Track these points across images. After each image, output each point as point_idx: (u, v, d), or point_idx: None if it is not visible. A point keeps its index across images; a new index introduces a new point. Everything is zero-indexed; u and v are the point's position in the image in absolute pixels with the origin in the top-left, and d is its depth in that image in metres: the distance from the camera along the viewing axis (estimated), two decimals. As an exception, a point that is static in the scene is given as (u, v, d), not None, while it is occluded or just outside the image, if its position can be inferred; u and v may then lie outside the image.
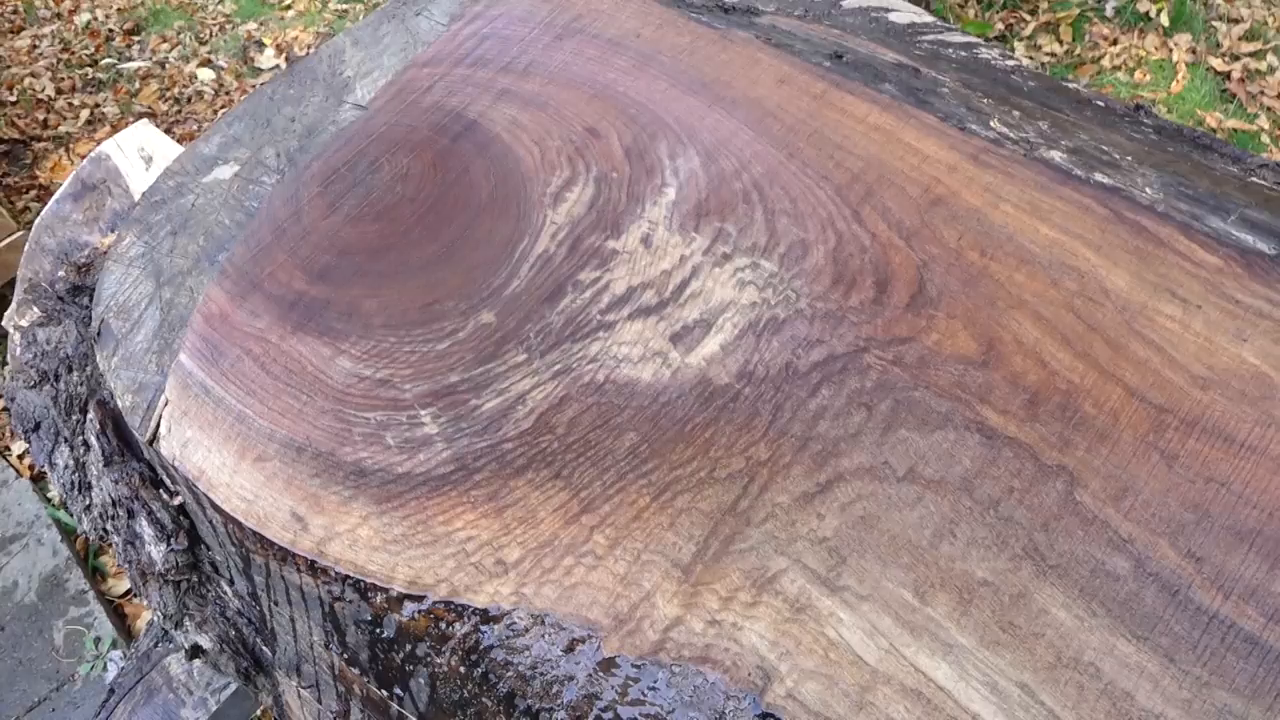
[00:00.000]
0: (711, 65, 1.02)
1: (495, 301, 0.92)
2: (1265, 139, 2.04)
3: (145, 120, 1.78)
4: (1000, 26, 2.46)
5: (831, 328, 0.82)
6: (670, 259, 0.90)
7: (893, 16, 1.24)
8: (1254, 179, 0.92)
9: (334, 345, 0.93)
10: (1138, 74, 2.25)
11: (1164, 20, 2.34)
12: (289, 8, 3.61)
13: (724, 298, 0.86)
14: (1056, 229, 0.82)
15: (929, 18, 1.25)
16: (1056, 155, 0.87)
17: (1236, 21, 2.29)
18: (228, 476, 0.89)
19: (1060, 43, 2.36)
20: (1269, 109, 2.09)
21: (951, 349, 0.79)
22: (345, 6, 3.54)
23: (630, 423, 0.82)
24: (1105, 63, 2.28)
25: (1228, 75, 2.18)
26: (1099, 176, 0.85)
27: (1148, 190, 0.84)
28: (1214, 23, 2.31)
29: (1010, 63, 1.17)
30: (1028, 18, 2.45)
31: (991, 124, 0.91)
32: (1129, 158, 0.88)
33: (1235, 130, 2.06)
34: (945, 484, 0.73)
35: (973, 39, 1.21)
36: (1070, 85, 1.12)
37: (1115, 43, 2.32)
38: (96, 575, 1.88)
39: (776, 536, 0.74)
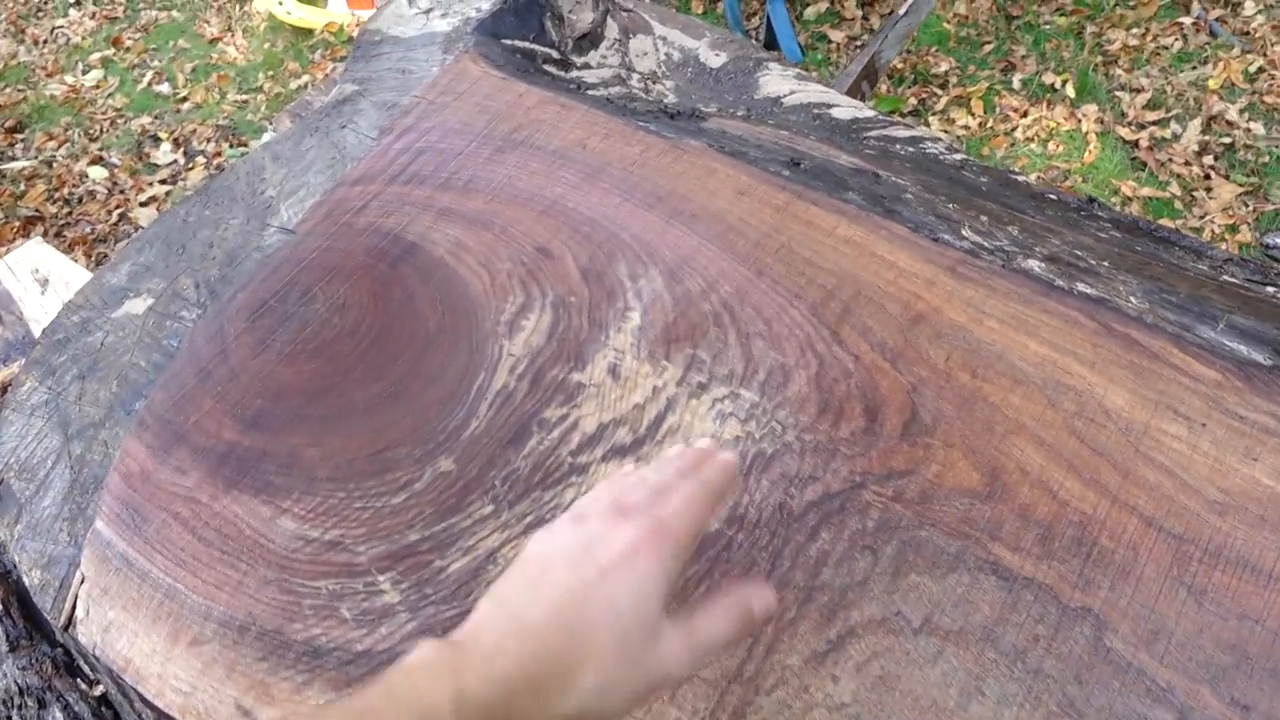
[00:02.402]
0: (665, 177, 0.98)
1: (453, 446, 0.84)
2: (1178, 205, 2.09)
3: (38, 239, 1.66)
4: (913, 102, 2.51)
5: (824, 462, 0.77)
6: (642, 391, 0.84)
7: (835, 112, 1.22)
8: (1226, 278, 0.90)
9: (274, 504, 0.84)
10: (1050, 145, 2.30)
11: (1070, 91, 2.41)
12: (184, 100, 3.49)
13: (704, 432, 0.80)
14: (1046, 345, 0.79)
15: (870, 111, 1.23)
16: (1035, 265, 0.84)
17: (1138, 91, 2.38)
18: (159, 665, 0.78)
19: (972, 116, 2.41)
20: (1178, 175, 2.15)
21: (954, 481, 0.74)
22: (245, 97, 3.44)
23: (615, 580, 0.75)
24: (1018, 134, 2.33)
25: (1136, 144, 2.25)
26: (1082, 286, 0.82)
27: (1132, 299, 0.81)
28: (1117, 93, 2.39)
29: (957, 157, 1.15)
30: (939, 92, 2.50)
31: (963, 232, 0.88)
32: (1105, 263, 0.86)
33: (1150, 198, 2.11)
34: (966, 634, 0.68)
35: (917, 132, 1.19)
36: (1019, 179, 1.11)
37: (1025, 114, 2.38)
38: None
39: (790, 705, 0.67)
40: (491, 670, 0.45)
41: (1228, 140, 2.21)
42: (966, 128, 2.38)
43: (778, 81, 1.26)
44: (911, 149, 1.15)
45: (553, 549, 0.52)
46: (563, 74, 1.20)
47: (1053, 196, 1.07)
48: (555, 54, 1.22)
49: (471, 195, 1.01)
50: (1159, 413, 0.74)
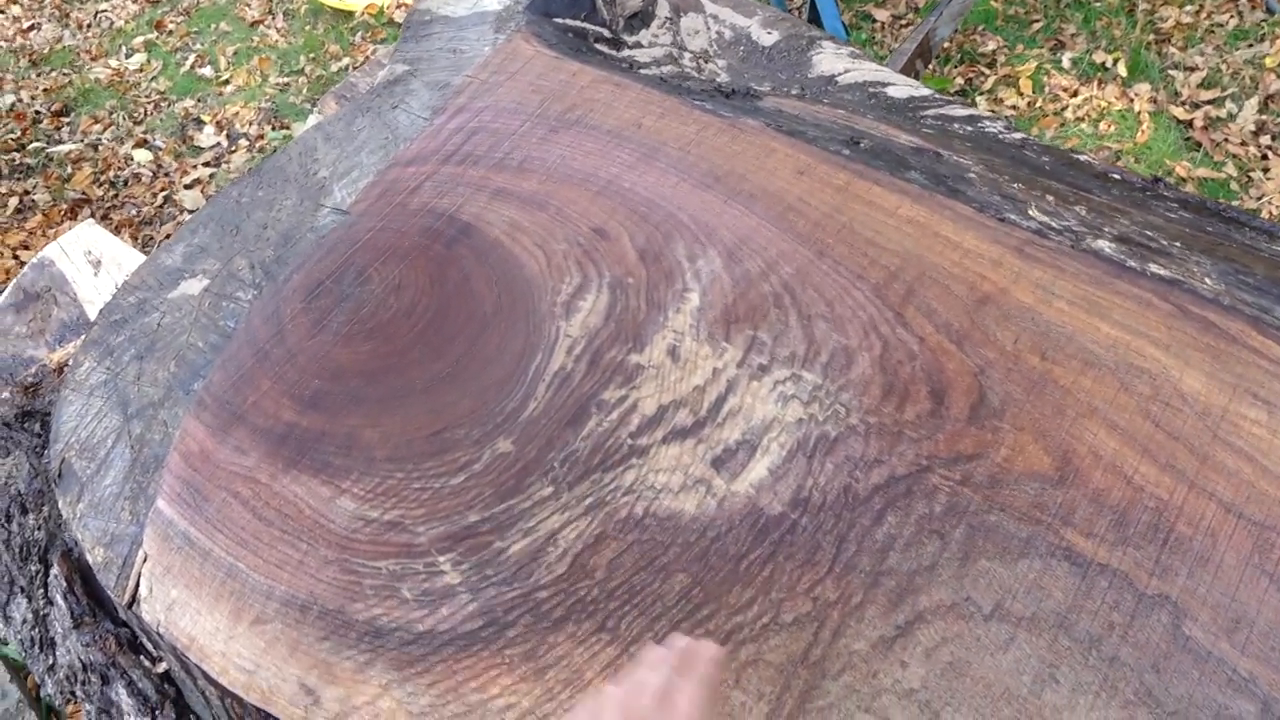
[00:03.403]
0: (723, 156, 0.96)
1: (512, 427, 0.84)
2: (1234, 186, 2.04)
3: (89, 221, 1.68)
4: (960, 81, 2.46)
5: (889, 445, 0.76)
6: (702, 373, 0.83)
7: (890, 91, 1.20)
8: (1303, 258, 0.88)
9: (334, 484, 0.84)
10: (1102, 125, 2.25)
11: (1121, 70, 2.35)
12: (226, 83, 3.51)
13: (766, 415, 0.79)
14: (1118, 327, 0.77)
15: (926, 90, 1.21)
16: (1105, 245, 0.82)
17: (1193, 70, 2.32)
18: (222, 643, 0.79)
19: (1021, 95, 2.37)
20: (1234, 156, 2.10)
21: (1024, 465, 0.73)
22: (287, 80, 3.45)
23: (678, 562, 0.74)
24: (1068, 114, 2.29)
25: (1190, 124, 2.19)
26: (1154, 267, 0.80)
27: (1207, 281, 0.79)
28: (1171, 71, 2.33)
29: (1017, 136, 1.13)
30: (986, 71, 2.46)
31: (1030, 212, 0.86)
32: (1177, 244, 0.84)
33: (1205, 179, 2.06)
34: (1039, 621, 0.66)
35: (975, 111, 1.17)
36: (1082, 158, 1.09)
37: (1075, 94, 2.33)
38: None
39: (858, 690, 0.67)
40: None
41: (1286, 119, 2.15)
42: (1015, 108, 2.34)
43: (831, 60, 1.24)
44: (970, 128, 1.13)
45: None
46: (615, 53, 1.19)
47: (1116, 176, 1.05)
48: (607, 33, 1.21)
49: (526, 175, 1.01)
50: (1237, 396, 0.72)
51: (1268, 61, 2.28)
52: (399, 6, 3.70)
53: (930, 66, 2.32)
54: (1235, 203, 2.02)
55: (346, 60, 3.49)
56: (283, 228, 1.07)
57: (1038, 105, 2.34)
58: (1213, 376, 0.73)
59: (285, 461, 0.87)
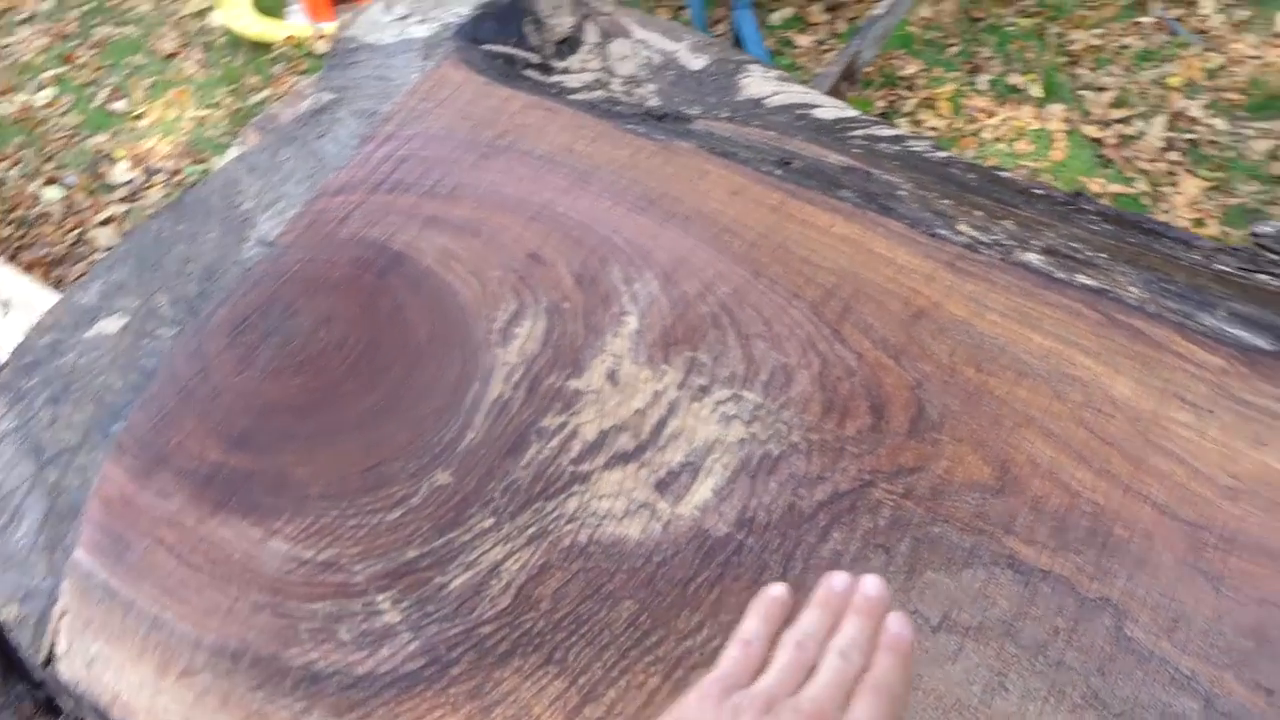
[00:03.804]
0: (657, 179, 0.96)
1: (450, 458, 0.82)
2: (1146, 200, 2.12)
3: None
4: (882, 104, 2.52)
5: (831, 461, 0.76)
6: (642, 396, 0.82)
7: (818, 113, 1.21)
8: (1218, 266, 0.91)
9: (264, 525, 0.81)
10: (1019, 145, 2.32)
11: (1036, 91, 2.43)
12: (140, 117, 3.43)
13: (708, 436, 0.79)
14: (1050, 337, 0.78)
15: (853, 111, 1.23)
16: (1034, 258, 0.84)
17: (1103, 90, 2.40)
18: (149, 698, 0.75)
19: (940, 117, 2.43)
20: (1145, 171, 2.17)
21: (964, 476, 0.73)
22: (204, 113, 3.38)
23: (625, 589, 0.73)
24: (986, 134, 2.35)
25: (1102, 142, 2.27)
26: (1082, 278, 0.82)
27: (1132, 290, 0.81)
28: (1082, 92, 2.41)
29: (942, 154, 1.15)
30: (906, 94, 2.51)
31: (959, 227, 0.88)
32: (1102, 255, 0.86)
33: (1118, 194, 2.14)
34: (986, 630, 0.67)
35: (901, 131, 1.19)
36: (1005, 175, 1.11)
37: (993, 115, 2.39)
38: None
39: (810, 710, 0.66)
40: None
41: (1191, 136, 2.24)
42: (935, 129, 2.40)
43: (760, 83, 1.25)
44: (897, 147, 1.15)
45: None
46: (545, 79, 1.18)
47: (1039, 191, 1.07)
48: (536, 58, 1.21)
49: (458, 202, 0.99)
50: (1166, 401, 0.74)
51: (1172, 81, 2.38)
52: (320, 38, 3.66)
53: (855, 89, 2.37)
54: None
55: (267, 92, 3.43)
56: (206, 262, 1.04)
57: (956, 126, 2.41)
58: (1141, 382, 0.75)
59: (212, 504, 0.84)
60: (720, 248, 0.90)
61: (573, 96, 1.17)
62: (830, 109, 1.23)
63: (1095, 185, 2.18)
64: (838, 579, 0.53)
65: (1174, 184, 2.15)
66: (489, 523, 0.78)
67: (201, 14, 3.91)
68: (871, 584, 0.52)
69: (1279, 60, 2.43)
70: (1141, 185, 2.16)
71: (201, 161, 3.15)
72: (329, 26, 3.71)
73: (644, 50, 1.33)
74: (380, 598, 0.76)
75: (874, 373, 0.79)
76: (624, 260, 0.91)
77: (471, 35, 1.21)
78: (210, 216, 1.10)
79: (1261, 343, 0.76)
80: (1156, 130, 2.27)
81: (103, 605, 0.81)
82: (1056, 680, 0.64)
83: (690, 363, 0.83)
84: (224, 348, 0.94)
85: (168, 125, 3.36)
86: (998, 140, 2.34)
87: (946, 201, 0.93)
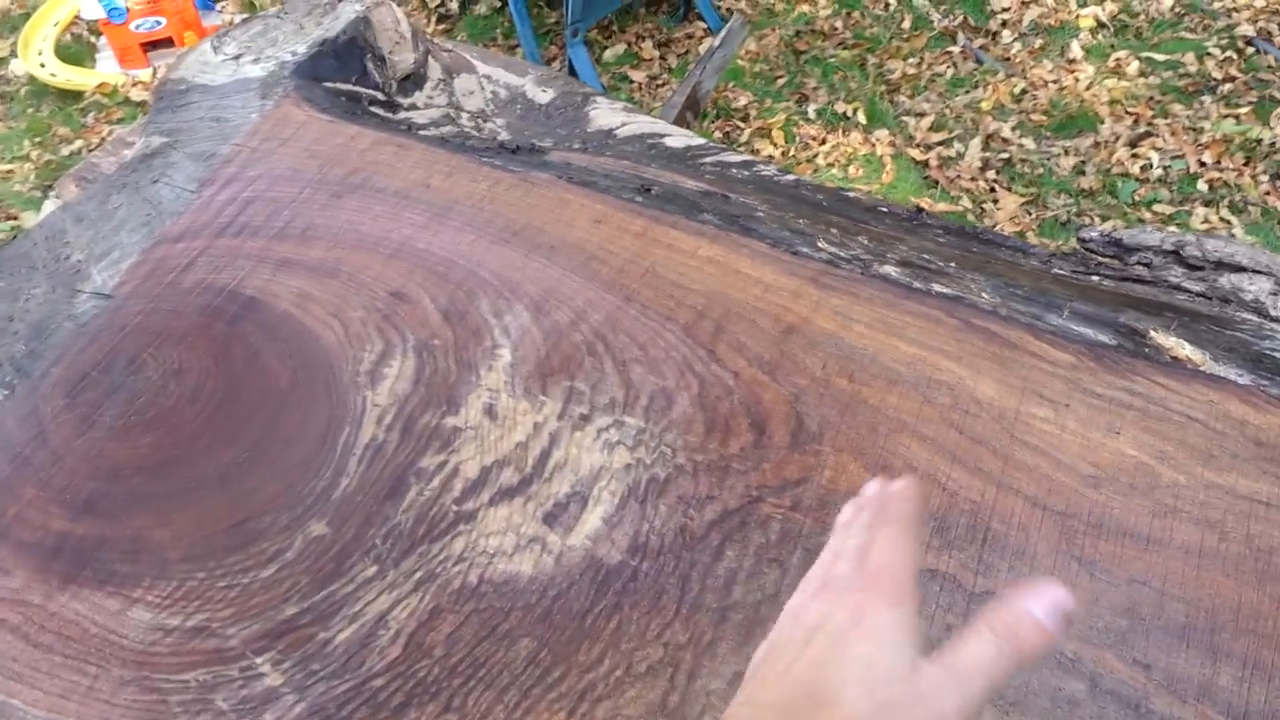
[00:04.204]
0: (517, 210, 0.95)
1: (324, 508, 0.78)
2: (971, 217, 2.25)
3: None
4: (718, 135, 2.59)
5: (718, 480, 0.76)
6: (522, 429, 0.80)
7: (668, 141, 1.24)
8: (1056, 270, 0.97)
9: (123, 594, 0.75)
10: (850, 169, 2.43)
11: (861, 118, 2.55)
12: (-64, 174, 3.17)
13: (594, 464, 0.78)
14: (914, 344, 0.81)
15: (701, 139, 1.25)
16: (891, 270, 0.87)
17: (921, 115, 2.54)
18: (1, 798, 0.68)
19: (775, 145, 2.52)
20: (967, 190, 2.31)
21: (847, 484, 0.75)
22: (9, 167, 3.15)
23: (521, 627, 0.71)
24: (820, 160, 2.45)
25: (926, 164, 2.40)
26: (937, 286, 0.86)
27: (984, 295, 0.85)
28: (903, 118, 2.55)
29: (790, 178, 1.19)
30: (741, 125, 2.60)
31: (819, 244, 0.90)
32: (952, 264, 0.90)
33: (946, 212, 2.26)
34: (881, 634, 0.68)
35: (749, 157, 1.22)
36: (852, 194, 1.16)
37: (824, 142, 2.50)
38: None
39: (719, 731, 0.66)
40: None
41: (1005, 156, 2.40)
42: (771, 157, 2.48)
43: (608, 114, 1.27)
44: (747, 172, 1.18)
45: (779, 642, 0.49)
46: (391, 115, 1.16)
47: (884, 209, 1.12)
48: (381, 95, 1.18)
49: (311, 243, 0.96)
50: (1026, 398, 0.78)
51: (983, 105, 2.55)
52: (135, 84, 3.49)
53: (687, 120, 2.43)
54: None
55: (79, 143, 3.24)
56: (33, 319, 0.97)
57: (791, 154, 2.50)
58: (1002, 382, 0.79)
59: (61, 577, 0.77)
60: (589, 275, 0.89)
61: (423, 133, 1.15)
62: (679, 138, 1.25)
63: (925, 204, 2.30)
64: (871, 485, 0.55)
65: (994, 200, 2.29)
66: (372, 571, 0.74)
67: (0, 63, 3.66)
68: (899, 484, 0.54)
69: (1073, 84, 2.64)
70: (966, 203, 2.30)
71: (12, 218, 2.93)
72: (143, 73, 3.53)
73: (490, 85, 1.32)
74: (259, 660, 0.71)
75: (751, 390, 0.80)
76: (492, 293, 0.89)
77: (311, 73, 1.17)
78: (34, 271, 1.02)
79: (1104, 338, 0.81)
80: (974, 151, 2.42)
81: (-65, 703, 0.73)
82: (952, 674, 0.66)
83: (569, 392, 0.82)
84: (62, 408, 0.87)
85: (-34, 182, 3.12)
86: (831, 165, 2.45)
87: (803, 220, 0.96)
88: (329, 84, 1.16)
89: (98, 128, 3.32)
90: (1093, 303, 0.86)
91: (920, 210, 1.11)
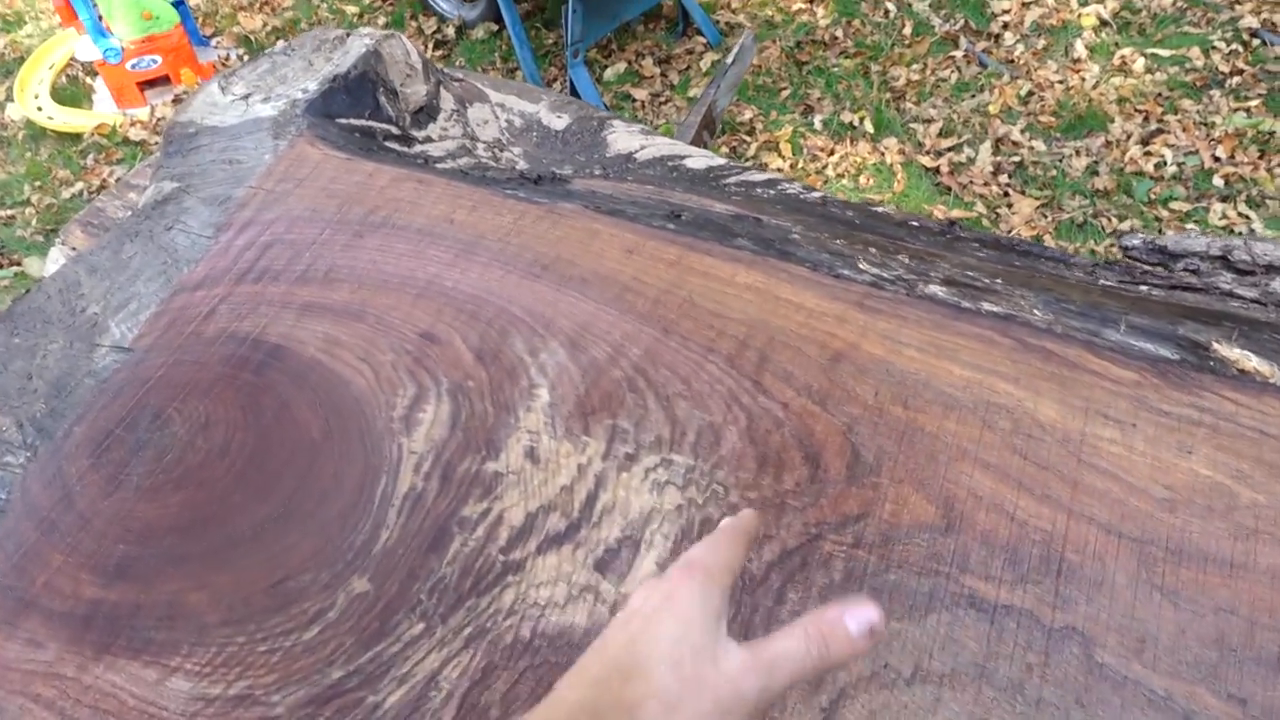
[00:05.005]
0: (546, 243, 0.93)
1: (365, 563, 0.75)
2: (986, 222, 2.22)
3: None
4: (726, 150, 2.57)
5: (775, 518, 0.73)
6: (566, 472, 0.77)
7: (689, 163, 1.21)
8: (1103, 281, 0.94)
9: (160, 663, 0.72)
10: (861, 179, 2.40)
11: (868, 127, 2.53)
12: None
13: (643, 506, 0.75)
14: (968, 367, 0.79)
15: (721, 159, 1.23)
16: (937, 290, 0.85)
17: (929, 121, 2.52)
18: None
19: (783, 158, 2.49)
20: (981, 195, 2.29)
21: (910, 518, 0.72)
22: (11, 212, 3.13)
23: (578, 683, 0.68)
24: (829, 171, 2.42)
25: (937, 170, 2.38)
26: (987, 305, 0.83)
27: (1036, 312, 0.82)
28: (911, 124, 2.53)
29: (816, 195, 1.16)
30: (748, 139, 2.57)
31: (860, 265, 0.88)
32: (998, 280, 0.87)
33: (961, 219, 2.23)
34: (959, 676, 0.65)
35: (772, 175, 1.20)
36: (881, 210, 1.13)
37: (832, 152, 2.47)
38: None
39: (795, 787, 0.62)
40: (551, 715, 0.47)
41: (1017, 159, 2.37)
42: (780, 170, 2.46)
43: (626, 138, 1.24)
44: (772, 191, 1.15)
45: (608, 625, 0.53)
46: (407, 149, 1.13)
47: (915, 224, 1.09)
48: (395, 129, 1.16)
49: (335, 285, 0.93)
50: (1090, 419, 0.75)
51: (991, 109, 2.52)
52: (133, 124, 3.47)
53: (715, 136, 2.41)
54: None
55: (80, 185, 3.22)
56: (52, 376, 0.94)
57: (800, 166, 2.48)
58: (1064, 403, 0.76)
59: (95, 647, 0.74)
60: (624, 308, 0.87)
61: (441, 165, 1.12)
62: (699, 158, 1.23)
63: (938, 212, 2.28)
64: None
65: (1009, 205, 2.27)
66: (419, 628, 0.71)
67: (-4, 108, 3.66)
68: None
69: (1080, 84, 2.61)
70: (980, 208, 2.27)
71: (15, 264, 2.91)
72: (140, 112, 3.52)
73: (504, 113, 1.30)
74: (305, 731, 0.68)
75: (802, 421, 0.77)
76: (525, 330, 0.86)
77: (323, 110, 1.15)
78: (50, 325, 0.99)
79: (1166, 353, 0.78)
80: (985, 155, 2.39)
81: (-32, 787, 0.70)
82: (1038, 719, 0.63)
83: (612, 431, 0.79)
84: (87, 469, 0.84)
85: (-31, 230, 3.10)
86: (841, 176, 2.42)
87: (839, 241, 0.93)
88: (342, 120, 1.14)
89: (98, 169, 3.30)
90: (1148, 315, 0.83)
91: (953, 223, 1.09)
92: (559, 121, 1.27)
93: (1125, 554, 0.68)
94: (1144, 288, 0.92)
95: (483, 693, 0.68)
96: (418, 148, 1.16)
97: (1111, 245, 2.10)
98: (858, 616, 0.50)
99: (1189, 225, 2.17)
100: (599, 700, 0.47)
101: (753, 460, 0.76)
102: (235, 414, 0.85)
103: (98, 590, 0.77)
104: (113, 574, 0.77)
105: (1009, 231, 2.17)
